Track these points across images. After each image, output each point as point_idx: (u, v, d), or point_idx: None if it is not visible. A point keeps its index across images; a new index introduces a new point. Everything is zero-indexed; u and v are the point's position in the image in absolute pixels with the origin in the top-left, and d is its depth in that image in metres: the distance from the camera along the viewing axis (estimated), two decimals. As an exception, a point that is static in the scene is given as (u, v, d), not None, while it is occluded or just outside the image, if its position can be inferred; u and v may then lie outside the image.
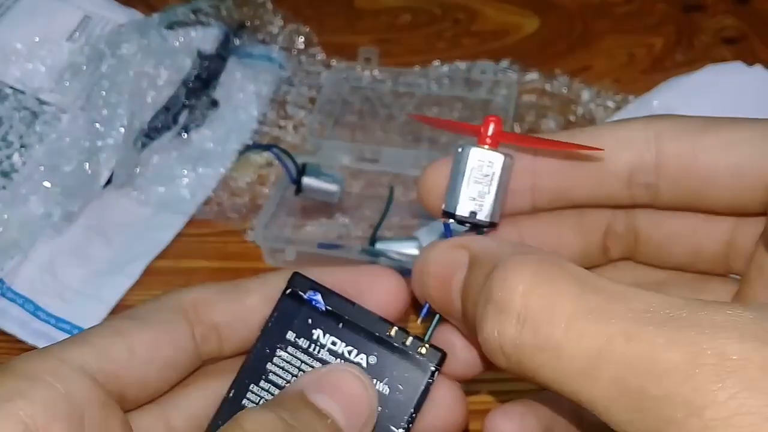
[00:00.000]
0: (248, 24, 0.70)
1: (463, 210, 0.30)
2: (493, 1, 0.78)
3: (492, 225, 0.31)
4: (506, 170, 0.30)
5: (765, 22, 0.74)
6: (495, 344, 0.24)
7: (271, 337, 0.32)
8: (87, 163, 0.57)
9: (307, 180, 0.58)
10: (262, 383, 0.32)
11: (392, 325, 0.32)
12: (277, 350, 0.32)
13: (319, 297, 0.32)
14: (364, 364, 0.32)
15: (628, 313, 0.22)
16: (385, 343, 0.32)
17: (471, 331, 0.27)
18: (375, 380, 0.32)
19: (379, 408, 0.31)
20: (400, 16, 0.77)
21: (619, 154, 0.30)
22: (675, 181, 0.29)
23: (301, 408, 0.28)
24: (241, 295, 0.33)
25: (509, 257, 0.25)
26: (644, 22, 0.75)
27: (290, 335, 0.32)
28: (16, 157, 0.59)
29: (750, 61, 0.63)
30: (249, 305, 0.33)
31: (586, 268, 0.33)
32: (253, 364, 0.32)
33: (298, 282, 0.33)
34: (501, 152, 0.30)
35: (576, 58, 0.72)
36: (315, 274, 0.33)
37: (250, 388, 0.32)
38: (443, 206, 0.31)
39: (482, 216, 0.30)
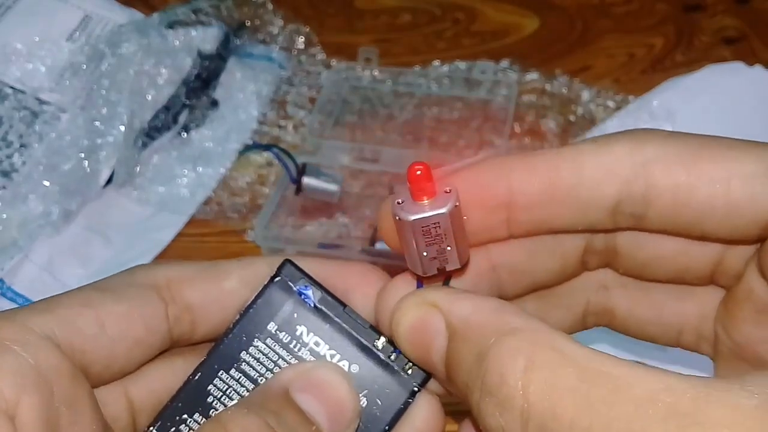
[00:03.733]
0: (248, 24, 0.70)
1: (430, 270, 0.28)
2: (493, 1, 0.78)
3: (464, 266, 0.29)
4: (456, 216, 0.27)
5: (765, 22, 0.74)
6: None
7: (250, 324, 0.30)
8: (86, 161, 0.57)
9: (307, 180, 0.58)
10: (233, 372, 0.30)
11: (381, 335, 0.30)
12: (255, 340, 0.30)
13: (310, 292, 0.30)
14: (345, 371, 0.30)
15: (630, 405, 0.21)
16: (370, 353, 0.30)
17: (460, 395, 0.26)
18: None
19: None
20: (400, 16, 0.77)
21: (604, 185, 0.28)
22: (665, 212, 0.28)
23: (286, 410, 0.27)
24: (219, 276, 0.31)
25: (499, 342, 0.24)
26: (644, 22, 0.75)
27: (272, 326, 0.30)
28: (16, 157, 0.59)
29: (750, 61, 0.63)
30: (227, 288, 0.31)
31: (563, 281, 0.32)
32: (225, 350, 0.30)
33: (288, 271, 0.31)
34: (442, 202, 0.27)
35: (576, 58, 0.72)
36: (303, 264, 0.31)
37: (219, 374, 0.30)
38: (409, 266, 0.29)
39: (451, 267, 0.28)
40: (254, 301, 0.30)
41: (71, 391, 0.26)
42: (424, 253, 0.28)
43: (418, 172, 0.27)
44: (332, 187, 0.58)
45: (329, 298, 0.31)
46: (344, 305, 0.30)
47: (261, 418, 0.26)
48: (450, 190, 0.27)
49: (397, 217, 0.27)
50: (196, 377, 0.30)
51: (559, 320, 0.33)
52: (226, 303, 0.31)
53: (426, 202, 0.27)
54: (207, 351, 0.30)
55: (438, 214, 0.27)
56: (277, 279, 0.30)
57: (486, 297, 0.27)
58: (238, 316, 0.30)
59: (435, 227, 0.27)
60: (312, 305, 0.30)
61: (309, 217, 0.59)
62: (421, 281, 0.29)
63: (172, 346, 0.31)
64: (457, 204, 0.27)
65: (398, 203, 0.27)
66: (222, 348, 0.30)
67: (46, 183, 0.57)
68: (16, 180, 0.58)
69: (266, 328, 0.30)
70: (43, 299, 0.28)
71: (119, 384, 0.30)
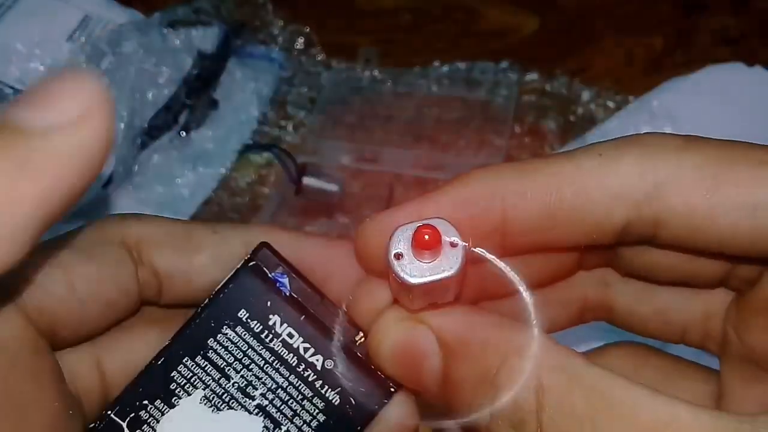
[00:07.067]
0: (248, 24, 0.70)
1: (419, 306, 0.26)
2: (493, 1, 0.78)
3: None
4: (463, 270, 0.24)
5: (765, 22, 0.74)
6: None
7: (219, 309, 0.28)
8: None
9: (307, 180, 0.58)
10: (199, 359, 0.28)
11: (359, 331, 0.29)
12: (224, 327, 0.28)
13: (286, 280, 0.28)
14: (319, 367, 0.28)
15: None
16: (348, 350, 0.28)
17: (455, 411, 0.25)
18: (326, 387, 0.28)
19: (323, 418, 0.28)
20: (401, 17, 0.77)
21: (611, 211, 0.25)
22: (679, 234, 0.25)
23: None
24: (191, 249, 0.29)
25: (507, 365, 0.23)
26: (644, 22, 0.75)
27: (242, 314, 0.28)
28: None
29: (750, 61, 0.63)
30: (196, 263, 0.29)
31: (554, 282, 0.30)
32: (192, 335, 0.28)
33: (264, 256, 0.28)
34: (450, 262, 0.24)
35: (576, 58, 0.72)
36: (282, 241, 0.29)
37: (184, 360, 0.28)
38: (395, 296, 0.26)
39: (444, 300, 0.25)
40: (225, 285, 0.28)
41: (33, 365, 0.25)
42: (418, 300, 0.25)
43: (426, 237, 0.23)
44: (332, 187, 0.58)
45: (306, 288, 0.29)
46: (322, 296, 0.29)
47: None
48: (456, 243, 0.24)
49: (396, 278, 0.24)
50: (160, 362, 0.28)
51: (554, 316, 0.31)
52: (194, 278, 0.29)
53: (429, 258, 0.24)
54: (178, 326, 0.29)
55: (445, 277, 0.24)
56: (251, 263, 0.29)
57: (477, 310, 0.26)
58: (207, 300, 0.28)
59: (438, 284, 0.24)
60: (287, 294, 0.28)
61: (309, 217, 0.59)
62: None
63: (142, 307, 0.29)
64: (466, 260, 0.24)
65: (396, 257, 0.24)
66: (189, 333, 0.28)
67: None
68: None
69: (237, 315, 0.28)
70: None
71: (92, 354, 0.28)
